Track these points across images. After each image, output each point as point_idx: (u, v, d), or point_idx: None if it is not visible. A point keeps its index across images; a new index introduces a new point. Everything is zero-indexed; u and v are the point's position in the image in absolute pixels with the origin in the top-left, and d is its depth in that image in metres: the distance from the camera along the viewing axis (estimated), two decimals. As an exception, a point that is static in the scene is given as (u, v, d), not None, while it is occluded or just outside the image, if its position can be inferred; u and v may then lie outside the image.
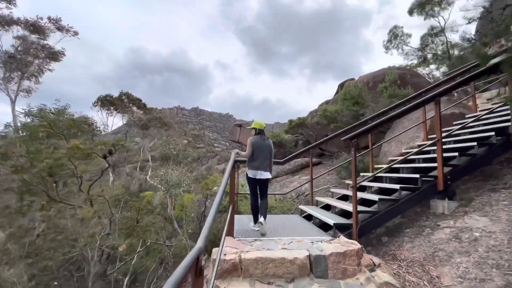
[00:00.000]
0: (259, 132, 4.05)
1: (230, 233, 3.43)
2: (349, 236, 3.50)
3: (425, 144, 4.71)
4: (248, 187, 3.95)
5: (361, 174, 5.87)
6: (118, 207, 6.26)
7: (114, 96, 11.44)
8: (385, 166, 5.47)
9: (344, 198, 5.33)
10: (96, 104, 10.87)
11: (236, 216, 4.81)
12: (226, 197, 5.55)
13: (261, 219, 3.67)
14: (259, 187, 3.86)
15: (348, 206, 3.98)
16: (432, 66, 15.29)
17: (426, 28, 14.86)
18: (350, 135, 3.71)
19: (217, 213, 2.03)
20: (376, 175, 4.65)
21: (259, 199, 3.93)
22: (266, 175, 3.80)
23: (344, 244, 3.15)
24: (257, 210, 3.83)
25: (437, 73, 15.49)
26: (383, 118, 3.97)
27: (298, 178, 11.12)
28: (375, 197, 3.89)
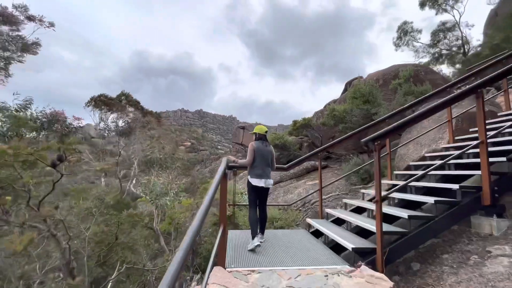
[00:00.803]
0: (260, 137, 3.76)
1: (221, 262, 2.69)
2: (373, 265, 2.74)
3: (467, 145, 3.92)
4: (248, 196, 3.65)
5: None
6: (90, 222, 5.45)
7: (109, 96, 10.78)
8: (409, 172, 4.68)
9: (358, 210, 4.56)
10: (89, 104, 10.22)
11: (231, 233, 4.07)
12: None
13: (258, 237, 3.38)
14: (260, 197, 3.61)
15: (369, 224, 3.21)
16: (443, 66, 14.45)
17: (434, 25, 14.04)
18: (373, 135, 2.95)
19: (193, 242, 1.32)
20: (398, 183, 3.90)
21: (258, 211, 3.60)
22: (270, 182, 3.59)
23: (369, 279, 2.38)
24: (257, 224, 3.47)
25: (447, 71, 14.63)
26: (411, 116, 3.20)
27: (304, 183, 10.34)
28: (403, 213, 3.11)
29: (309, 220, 4.60)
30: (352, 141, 11.79)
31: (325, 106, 13.60)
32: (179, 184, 5.04)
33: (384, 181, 5.05)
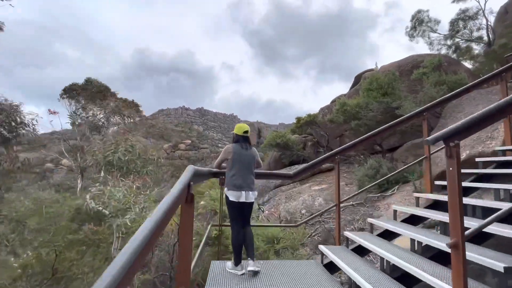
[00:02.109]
0: (239, 139, 3.08)
1: None
2: None
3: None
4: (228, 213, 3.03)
5: (416, 194, 3.88)
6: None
7: (78, 83, 9.50)
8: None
9: (387, 234, 3.35)
10: (63, 95, 9.02)
11: (215, 265, 2.88)
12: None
13: (250, 264, 2.75)
14: (241, 213, 2.96)
15: (435, 279, 1.98)
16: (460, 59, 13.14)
17: (450, 15, 12.73)
18: (447, 131, 1.71)
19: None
20: (440, 197, 2.70)
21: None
22: (252, 195, 2.97)
23: None
24: (241, 248, 2.91)
25: (465, 64, 13.33)
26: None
27: (309, 187, 9.11)
28: (495, 262, 1.87)
29: (323, 249, 3.37)
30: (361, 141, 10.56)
31: (332, 102, 12.36)
32: (150, 195, 3.89)
33: (418, 195, 3.85)
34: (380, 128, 3.64)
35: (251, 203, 3.01)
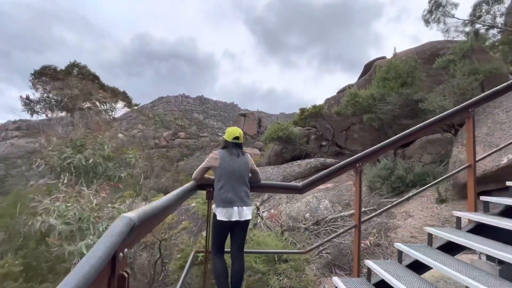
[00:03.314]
0: (228, 145, 2.44)
1: None
2: None
3: None
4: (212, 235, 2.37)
5: (458, 213, 3.07)
6: None
7: (55, 67, 8.36)
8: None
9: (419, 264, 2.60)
10: (34, 80, 7.94)
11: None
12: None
13: None
14: (232, 235, 2.36)
15: None
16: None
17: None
18: None
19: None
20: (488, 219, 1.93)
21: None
22: (248, 212, 2.30)
23: None
24: (227, 280, 2.26)
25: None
26: None
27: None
28: None
29: (338, 283, 2.61)
30: (369, 135, 9.76)
31: (339, 92, 11.45)
32: (119, 208, 3.11)
33: (460, 214, 3.06)
34: (417, 126, 2.81)
35: (246, 222, 2.36)
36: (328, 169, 2.91)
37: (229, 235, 2.41)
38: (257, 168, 2.55)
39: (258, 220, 6.44)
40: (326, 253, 4.12)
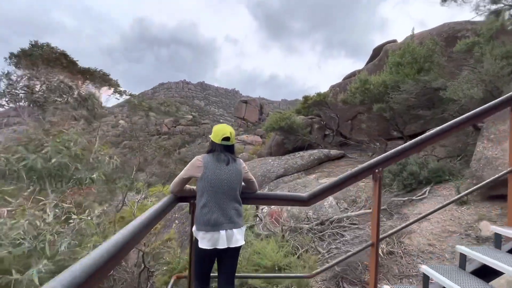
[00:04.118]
0: (215, 147, 1.87)
1: None
2: None
3: None
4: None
5: (497, 229, 2.55)
6: None
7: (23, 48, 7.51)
8: None
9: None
10: (11, 62, 7.24)
11: None
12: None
13: None
14: (219, 265, 1.87)
15: None
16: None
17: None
18: None
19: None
20: None
21: None
22: (239, 236, 1.79)
23: None
24: None
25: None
26: None
27: (315, 180, 7.88)
28: None
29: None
30: (377, 125, 9.15)
31: (345, 79, 10.75)
32: (87, 220, 2.64)
33: (500, 229, 2.55)
34: (455, 121, 2.23)
35: (237, 250, 1.85)
36: (340, 177, 2.36)
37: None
38: (252, 177, 2.03)
39: (257, 221, 6.00)
40: (331, 257, 3.66)
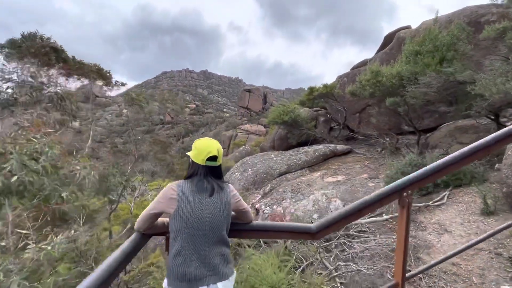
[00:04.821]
0: (197, 170, 1.42)
1: None
2: None
3: None
4: None
5: None
6: None
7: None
8: None
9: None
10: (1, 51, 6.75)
11: None
12: None
13: None
14: None
15: None
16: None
17: None
18: None
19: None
20: None
21: None
22: None
23: None
24: None
25: None
26: None
27: (320, 178, 7.41)
28: None
29: None
30: (389, 121, 8.57)
31: (353, 69, 10.08)
32: (48, 250, 2.22)
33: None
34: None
35: None
36: (357, 203, 1.86)
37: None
38: (245, 206, 1.55)
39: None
40: (340, 282, 3.24)
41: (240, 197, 1.53)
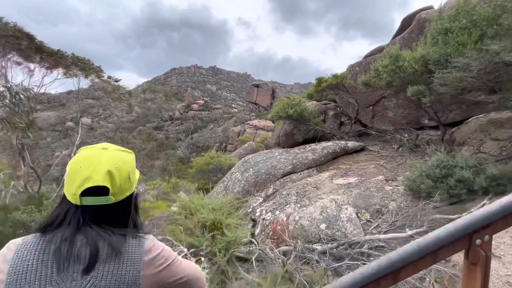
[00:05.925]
0: (68, 214, 0.68)
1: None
2: None
3: None
4: None
5: None
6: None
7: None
8: None
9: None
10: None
11: None
12: None
13: None
14: None
15: None
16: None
17: None
18: None
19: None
20: None
21: None
22: None
23: None
24: None
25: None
26: None
27: (329, 179, 6.58)
28: None
29: None
30: (409, 115, 7.64)
31: (366, 57, 9.12)
32: None
33: None
34: None
35: None
36: (385, 260, 1.04)
37: None
38: (187, 272, 0.75)
39: (256, 234, 4.87)
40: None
41: (174, 258, 0.77)
